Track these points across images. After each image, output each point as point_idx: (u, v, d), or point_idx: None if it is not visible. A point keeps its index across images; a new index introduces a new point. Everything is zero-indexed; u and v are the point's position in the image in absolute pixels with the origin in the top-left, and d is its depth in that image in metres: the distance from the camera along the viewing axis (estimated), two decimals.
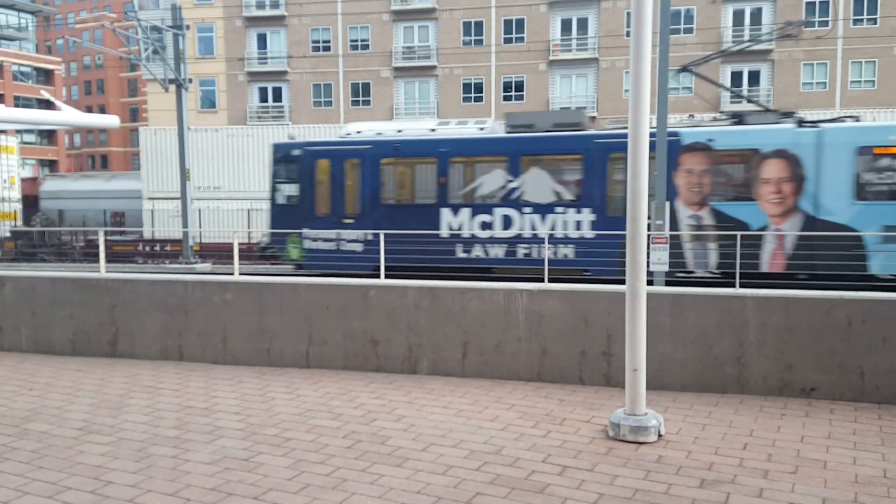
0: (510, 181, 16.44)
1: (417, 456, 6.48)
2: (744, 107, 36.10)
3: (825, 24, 36.56)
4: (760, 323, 8.45)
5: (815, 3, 36.77)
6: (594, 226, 15.86)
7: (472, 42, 40.77)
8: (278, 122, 42.26)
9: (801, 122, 15.17)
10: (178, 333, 10.59)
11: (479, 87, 40.90)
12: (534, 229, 16.23)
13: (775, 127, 15.10)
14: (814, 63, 37.00)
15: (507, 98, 40.56)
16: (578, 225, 16.02)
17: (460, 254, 16.69)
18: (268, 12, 42.61)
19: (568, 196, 16.20)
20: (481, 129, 17.37)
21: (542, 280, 9.81)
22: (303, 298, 10.02)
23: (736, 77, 37.97)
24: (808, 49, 36.82)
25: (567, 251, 16.11)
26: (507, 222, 16.42)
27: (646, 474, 6.01)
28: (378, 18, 41.56)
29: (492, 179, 16.62)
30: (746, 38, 37.54)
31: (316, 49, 42.52)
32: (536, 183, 16.33)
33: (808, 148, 14.76)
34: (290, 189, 18.00)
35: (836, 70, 36.82)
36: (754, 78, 37.78)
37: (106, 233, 14.24)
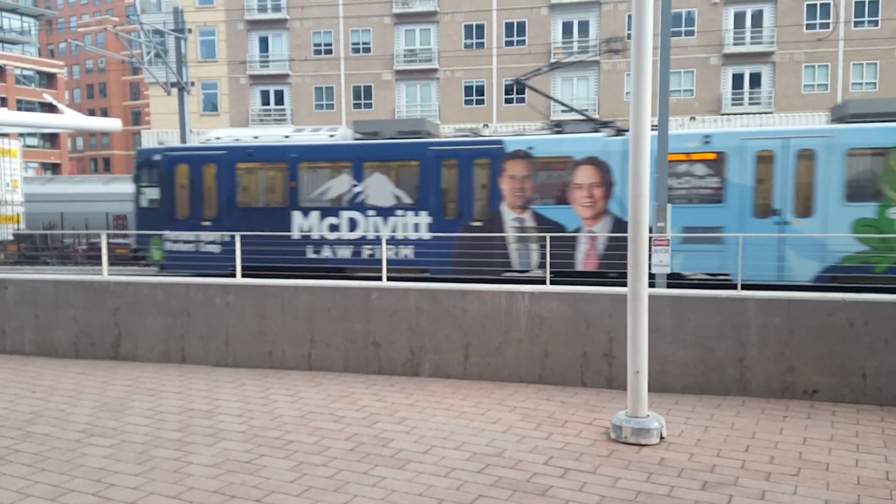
0: (355, 186, 17.57)
1: (419, 458, 6.49)
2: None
3: (826, 26, 36.56)
4: (762, 325, 8.45)
5: (816, 4, 36.77)
6: (431, 228, 17.00)
7: (474, 45, 40.82)
8: (280, 125, 42.32)
9: (619, 131, 16.27)
10: (180, 336, 10.61)
11: (480, 90, 40.95)
12: (377, 231, 17.39)
13: (587, 136, 16.32)
14: (815, 65, 37.01)
15: (508, 101, 40.60)
16: (417, 227, 17.17)
17: (311, 254, 17.81)
18: (269, 15, 42.69)
19: (407, 200, 17.30)
20: (331, 136, 18.53)
21: (532, 283, 9.83)
22: (304, 301, 10.04)
23: (737, 79, 37.99)
24: (810, 51, 36.82)
25: (408, 251, 17.24)
26: (353, 225, 17.57)
27: (648, 476, 6.01)
28: (379, 21, 41.63)
29: (338, 184, 17.73)
30: (748, 40, 37.56)
31: (317, 52, 42.59)
32: (378, 187, 17.49)
33: (615, 155, 15.99)
34: (153, 193, 18.92)
35: (837, 72, 36.82)
36: (755, 80, 37.79)
37: (108, 236, 14.50)
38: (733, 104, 37.30)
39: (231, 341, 10.37)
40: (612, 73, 39.35)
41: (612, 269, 15.82)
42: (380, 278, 10.46)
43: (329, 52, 42.46)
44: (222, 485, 5.89)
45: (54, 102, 30.40)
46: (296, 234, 17.69)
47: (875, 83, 36.53)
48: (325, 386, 9.18)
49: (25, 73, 69.16)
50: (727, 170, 15.54)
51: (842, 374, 8.25)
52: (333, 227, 17.64)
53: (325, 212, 17.76)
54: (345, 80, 42.32)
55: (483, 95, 40.92)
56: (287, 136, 18.64)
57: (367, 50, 42.02)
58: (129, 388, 9.21)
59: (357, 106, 42.31)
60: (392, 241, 17.24)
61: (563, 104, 19.68)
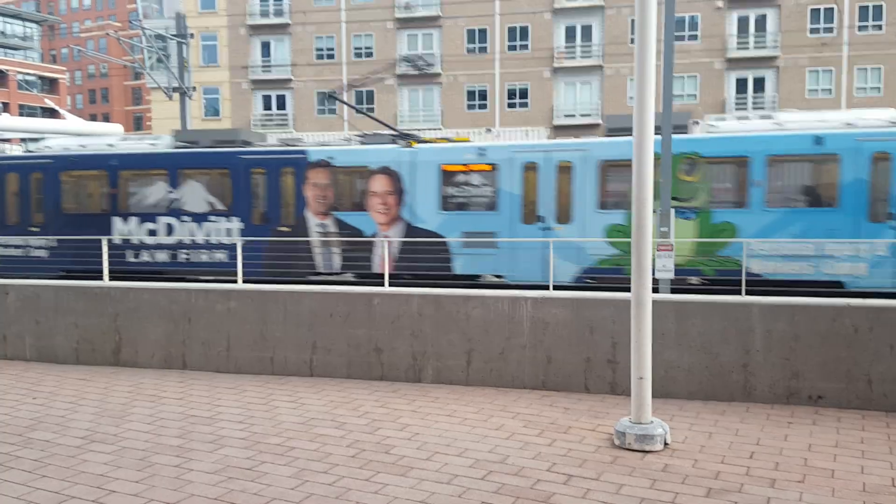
0: (171, 192, 18.53)
1: (422, 465, 6.44)
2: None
3: (830, 30, 36.54)
4: (766, 330, 8.40)
5: (819, 9, 36.76)
6: (242, 233, 18.10)
7: (476, 49, 40.84)
8: (282, 129, 42.37)
9: (412, 143, 17.71)
10: (182, 342, 10.58)
11: (483, 95, 40.97)
12: (192, 236, 18.37)
13: (381, 147, 17.61)
14: (819, 69, 36.99)
15: (511, 105, 40.61)
16: (229, 232, 18.24)
17: (131, 258, 18.81)
18: (272, 20, 42.78)
19: (220, 206, 18.34)
20: (152, 144, 19.40)
21: (547, 288, 9.79)
22: (306, 306, 10.00)
23: (741, 84, 37.99)
24: (814, 55, 36.81)
25: (221, 255, 18.27)
26: (170, 230, 18.52)
27: (652, 483, 5.96)
28: (382, 26, 41.68)
29: (155, 191, 18.68)
30: (752, 45, 37.54)
31: (320, 57, 42.65)
32: (193, 194, 18.49)
33: (406, 165, 17.32)
34: None
35: (841, 76, 36.79)
36: (759, 84, 37.79)
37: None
38: (737, 108, 37.30)
39: (232, 347, 10.34)
40: (615, 78, 39.35)
41: (406, 270, 17.23)
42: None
43: (331, 56, 42.53)
44: (223, 492, 5.85)
45: (56, 108, 30.48)
46: (117, 238, 18.72)
47: (879, 87, 36.50)
48: (326, 392, 9.14)
49: (27, 78, 69.35)
50: (499, 180, 16.82)
51: (847, 380, 8.19)
52: (152, 233, 18.65)
53: (144, 218, 18.72)
54: (347, 85, 42.34)
55: (486, 100, 40.93)
56: (111, 145, 19.66)
57: (370, 55, 42.07)
58: (130, 394, 9.18)
59: (359, 111, 42.35)
60: (207, 246, 18.31)
61: (367, 114, 21.27)
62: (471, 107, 41.11)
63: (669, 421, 7.67)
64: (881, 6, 36.18)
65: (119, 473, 6.29)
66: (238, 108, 43.78)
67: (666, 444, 6.90)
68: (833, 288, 14.67)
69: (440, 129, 39.98)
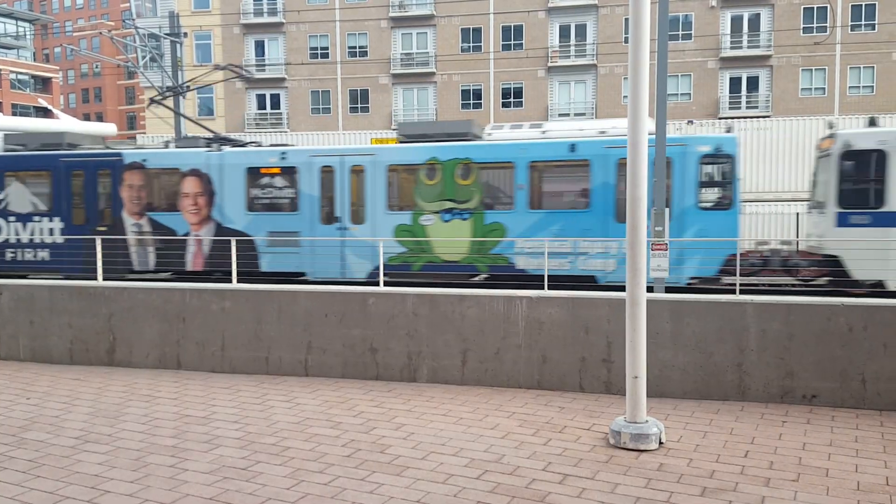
0: None
1: (417, 464, 6.44)
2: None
3: (823, 29, 36.65)
4: (761, 329, 8.42)
5: (812, 8, 36.87)
6: (63, 233, 18.92)
7: (471, 48, 40.84)
8: (276, 129, 42.30)
9: (224, 146, 18.79)
10: (176, 342, 10.55)
11: (477, 94, 40.96)
12: (17, 235, 19.27)
13: (192, 150, 18.48)
14: (812, 69, 37.09)
15: (505, 105, 40.62)
16: (52, 232, 19.06)
17: None
18: (266, 19, 42.69)
19: (42, 207, 19.17)
20: None
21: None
22: (301, 306, 9.99)
23: (734, 83, 38.06)
24: (807, 55, 36.90)
25: (44, 254, 19.11)
26: None
27: (647, 482, 5.97)
28: (376, 25, 41.64)
29: None
30: (745, 44, 37.62)
31: (314, 56, 42.59)
32: (18, 196, 19.34)
33: (215, 168, 18.30)
34: None
35: (834, 76, 36.90)
36: (753, 83, 37.87)
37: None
38: (731, 108, 37.38)
39: (227, 347, 10.32)
40: (609, 77, 39.40)
41: (216, 268, 18.33)
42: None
43: (325, 55, 42.46)
44: (218, 492, 5.84)
45: (49, 107, 30.36)
46: None
47: (872, 87, 36.62)
48: (321, 392, 9.13)
49: (20, 77, 69.06)
50: (300, 182, 17.99)
51: (841, 379, 8.22)
52: None
53: None
54: (341, 84, 42.33)
55: (480, 99, 40.93)
56: None
57: (364, 54, 42.02)
58: (125, 394, 9.15)
59: (354, 110, 42.31)
60: (31, 245, 19.20)
61: (191, 120, 21.88)
62: (465, 106, 41.10)
63: (664, 420, 7.68)
64: (874, 6, 36.30)
65: (113, 474, 6.27)
66: (232, 107, 43.69)
67: (661, 443, 6.91)
68: (587, 282, 16.37)
69: None
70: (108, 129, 31.49)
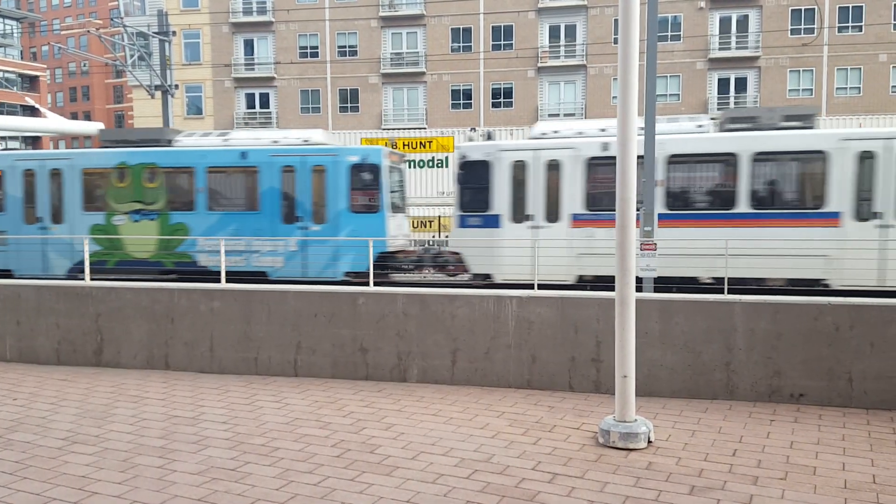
0: None
1: (407, 464, 6.44)
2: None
3: (811, 31, 36.86)
4: (749, 329, 8.47)
5: (800, 10, 37.07)
6: None
7: (461, 48, 40.84)
8: (266, 128, 42.15)
9: None
10: (164, 342, 10.50)
11: (467, 94, 40.97)
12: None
13: None
14: (800, 70, 37.30)
15: (495, 105, 40.64)
16: None
17: None
18: (255, 18, 42.55)
19: None
20: None
21: (531, 287, 9.82)
22: (291, 306, 9.96)
23: (723, 84, 38.24)
24: (795, 56, 37.11)
25: None
26: None
27: (636, 481, 5.99)
28: (366, 25, 41.58)
29: None
30: (733, 45, 37.79)
31: (303, 55, 42.48)
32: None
33: None
34: None
35: (822, 77, 37.12)
36: (741, 84, 38.05)
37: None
38: (719, 108, 37.51)
39: (216, 347, 10.28)
40: (599, 78, 39.49)
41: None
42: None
43: (315, 55, 42.36)
44: (207, 492, 5.81)
45: (37, 106, 30.19)
46: None
47: (859, 88, 36.87)
48: (311, 392, 9.11)
49: (7, 76, 68.56)
50: (6, 184, 19.01)
51: (828, 377, 8.27)
52: None
53: None
54: (331, 84, 42.25)
55: (470, 99, 40.94)
56: None
57: (354, 53, 41.96)
58: (112, 394, 9.10)
59: (343, 109, 42.24)
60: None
61: None
62: (455, 106, 41.10)
63: (653, 419, 7.71)
64: (861, 7, 36.53)
65: (101, 475, 6.23)
66: (221, 106, 43.52)
67: (650, 441, 6.94)
68: (260, 277, 17.42)
69: (424, 128, 39.95)
70: (96, 128, 31.29)
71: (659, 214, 15.20)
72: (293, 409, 8.33)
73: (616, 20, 37.38)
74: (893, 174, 14.62)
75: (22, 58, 79.60)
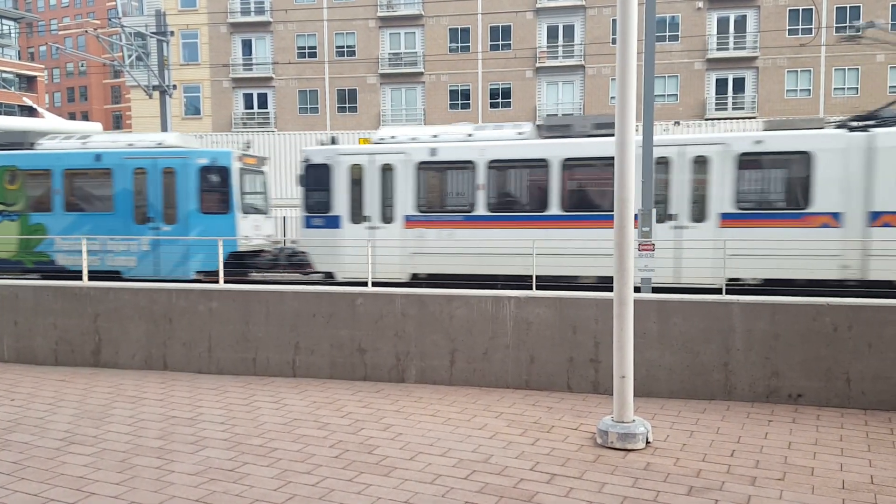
0: None
1: (405, 465, 6.44)
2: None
3: (809, 31, 36.90)
4: (747, 329, 8.47)
5: (798, 10, 37.12)
6: None
7: (459, 49, 40.85)
8: (264, 129, 42.15)
9: None
10: (162, 342, 10.49)
11: (465, 94, 40.97)
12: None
13: None
14: (798, 70, 37.35)
15: (494, 105, 40.65)
16: None
17: None
18: (253, 18, 42.54)
19: None
20: None
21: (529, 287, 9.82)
22: (289, 306, 9.96)
23: (721, 84, 38.27)
24: (792, 56, 37.14)
25: None
26: None
27: (634, 482, 5.99)
28: (364, 25, 41.58)
29: None
30: (731, 45, 37.82)
31: (301, 55, 42.47)
32: None
33: None
34: None
35: (819, 77, 37.16)
36: (739, 85, 38.08)
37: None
38: (717, 109, 37.56)
39: (214, 348, 10.27)
40: (597, 78, 39.51)
41: None
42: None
43: (313, 55, 42.35)
44: (204, 493, 5.81)
45: (34, 106, 30.14)
46: None
47: (857, 88, 36.92)
48: (309, 393, 9.11)
49: (5, 76, 68.47)
50: None
51: (826, 378, 8.28)
52: None
53: None
54: (329, 84, 42.24)
55: (468, 99, 40.95)
56: None
57: (352, 53, 41.95)
58: (110, 395, 9.09)
59: (342, 110, 42.23)
60: None
61: None
62: (453, 106, 41.11)
63: (651, 419, 7.71)
64: (858, 8, 36.59)
65: (99, 475, 6.23)
66: (219, 106, 43.49)
67: (648, 442, 6.94)
68: (115, 276, 17.86)
69: None
70: (94, 128, 31.27)
71: (480, 217, 16.26)
72: (291, 409, 8.33)
73: (614, 20, 37.42)
74: (689, 180, 15.44)
75: (20, 58, 79.51)
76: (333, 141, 18.71)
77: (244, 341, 10.15)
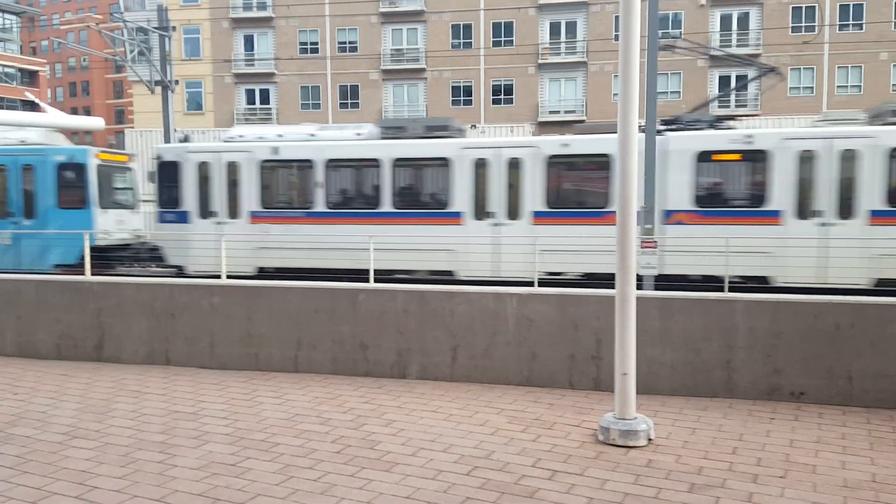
0: None
1: (407, 461, 6.45)
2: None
3: (812, 29, 36.83)
4: (749, 327, 8.47)
5: (801, 7, 37.04)
6: None
7: (461, 45, 40.80)
8: (266, 124, 42.11)
9: None
10: (165, 338, 10.51)
11: (468, 91, 40.94)
12: None
13: None
14: (801, 68, 37.28)
15: (496, 101, 40.61)
16: None
17: None
18: (255, 14, 42.49)
19: None
20: None
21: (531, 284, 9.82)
22: (292, 303, 9.97)
23: (724, 81, 38.20)
24: (795, 54, 37.08)
25: None
26: None
27: (635, 479, 6.00)
28: (366, 20, 41.53)
29: None
30: (734, 42, 37.75)
31: (303, 51, 42.43)
32: None
33: None
34: None
35: (822, 75, 37.10)
36: (742, 82, 37.98)
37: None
38: (720, 106, 37.50)
39: (216, 343, 10.29)
40: (599, 75, 39.46)
41: None
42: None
43: (315, 51, 42.31)
44: (207, 487, 5.82)
45: (36, 101, 30.18)
46: None
47: (860, 86, 36.86)
48: (311, 388, 9.12)
49: (7, 70, 68.47)
50: None
51: (828, 376, 8.28)
52: None
53: None
54: (331, 80, 42.20)
55: (471, 96, 40.90)
56: None
57: (354, 49, 41.91)
58: (113, 389, 9.11)
59: (344, 105, 42.20)
60: None
61: None
62: (455, 102, 41.07)
63: (653, 417, 7.72)
64: (861, 5, 36.51)
65: (102, 469, 6.24)
66: (221, 101, 43.48)
67: (650, 439, 6.95)
68: None
69: None
70: (96, 123, 31.25)
71: (319, 213, 17.22)
72: (293, 404, 8.34)
73: (617, 17, 37.34)
74: (505, 181, 16.33)
75: (21, 52, 79.42)
76: (186, 139, 19.55)
77: (247, 337, 10.16)
